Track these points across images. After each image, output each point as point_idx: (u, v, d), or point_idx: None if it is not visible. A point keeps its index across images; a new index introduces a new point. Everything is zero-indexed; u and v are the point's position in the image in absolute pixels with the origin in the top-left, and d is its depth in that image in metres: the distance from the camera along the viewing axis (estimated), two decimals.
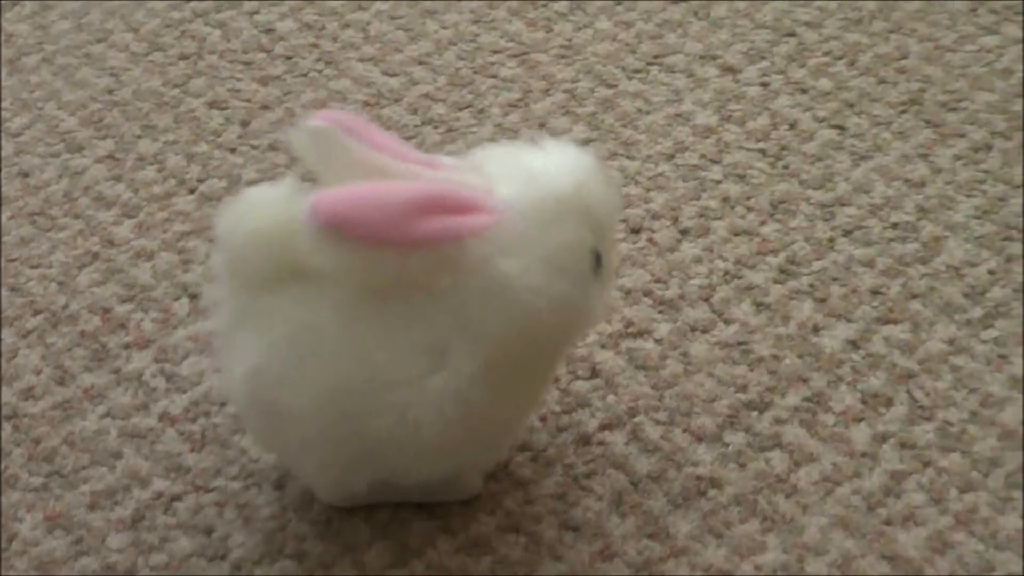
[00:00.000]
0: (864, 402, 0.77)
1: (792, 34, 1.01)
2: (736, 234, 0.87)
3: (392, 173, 0.64)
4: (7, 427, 0.78)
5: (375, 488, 0.70)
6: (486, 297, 0.63)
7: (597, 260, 0.66)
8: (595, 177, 0.65)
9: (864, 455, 0.75)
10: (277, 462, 0.75)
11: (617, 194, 0.68)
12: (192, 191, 0.91)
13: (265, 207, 0.65)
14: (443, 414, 0.64)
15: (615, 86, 0.97)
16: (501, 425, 0.69)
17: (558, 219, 0.63)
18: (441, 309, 0.63)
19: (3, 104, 0.99)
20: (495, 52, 1.00)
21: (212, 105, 0.97)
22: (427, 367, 0.64)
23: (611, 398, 0.78)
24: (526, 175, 0.64)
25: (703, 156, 0.92)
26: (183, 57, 1.01)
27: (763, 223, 0.87)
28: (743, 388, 0.78)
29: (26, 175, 0.93)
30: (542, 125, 0.94)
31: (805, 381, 0.78)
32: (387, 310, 0.64)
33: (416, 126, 0.95)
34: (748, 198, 0.89)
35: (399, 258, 0.62)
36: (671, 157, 0.92)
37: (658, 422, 0.76)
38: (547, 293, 0.63)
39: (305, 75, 0.99)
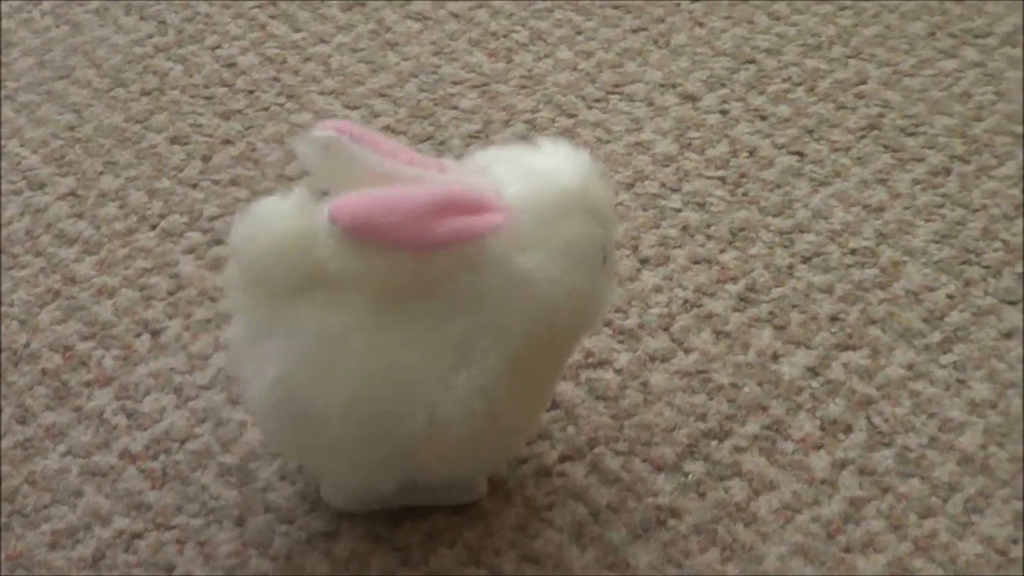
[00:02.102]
0: (823, 429, 0.78)
1: (752, 61, 1.02)
2: (696, 262, 0.87)
3: (403, 177, 0.65)
4: None
5: (399, 489, 0.71)
6: (506, 292, 0.64)
7: (604, 254, 0.67)
8: (595, 173, 0.67)
9: (823, 482, 0.75)
10: (291, 463, 0.75)
11: (613, 190, 0.69)
12: (153, 227, 0.91)
13: (281, 217, 0.65)
14: (471, 410, 0.65)
15: (575, 116, 0.97)
16: (522, 419, 0.71)
17: (568, 214, 0.65)
18: (462, 308, 0.64)
19: None
20: (456, 83, 1.00)
21: (174, 140, 0.97)
22: (452, 365, 0.65)
23: (571, 429, 0.78)
24: (532, 174, 0.66)
25: (663, 184, 0.92)
26: (145, 93, 1.02)
27: (723, 251, 0.88)
28: (703, 417, 0.78)
29: None
30: None
31: (764, 409, 0.79)
32: (409, 312, 0.65)
33: None
34: (708, 226, 0.89)
35: (419, 259, 0.63)
36: (631, 186, 0.92)
37: (618, 452, 0.77)
38: (564, 285, 0.65)
39: (266, 109, 0.99)
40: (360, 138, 0.64)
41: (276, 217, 0.65)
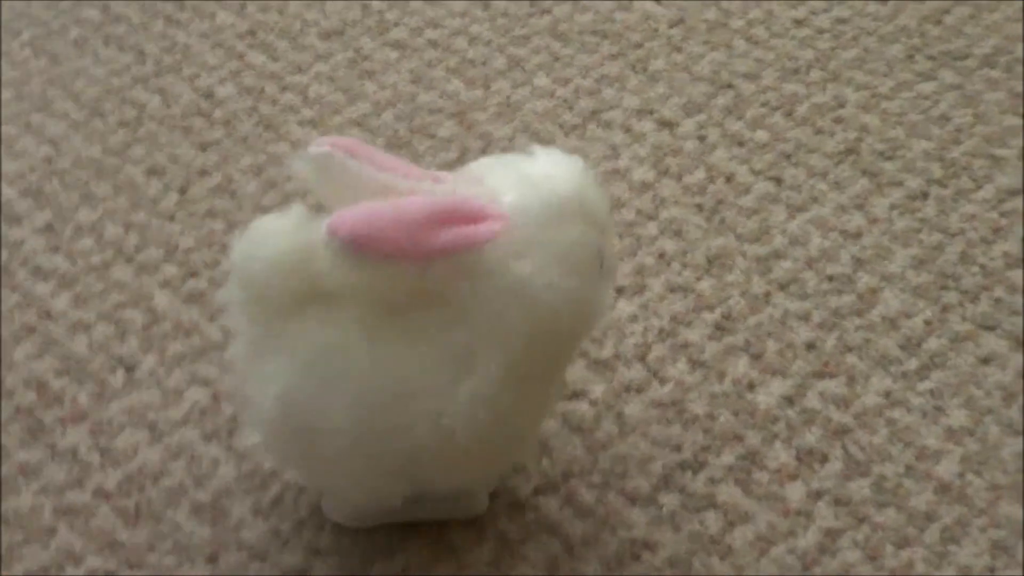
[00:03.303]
0: (799, 459, 0.77)
1: (729, 86, 1.02)
2: (672, 291, 0.87)
3: (400, 190, 0.65)
4: None
5: (406, 503, 0.71)
6: (506, 299, 0.64)
7: (601, 258, 0.67)
8: (590, 179, 0.68)
9: (799, 513, 0.75)
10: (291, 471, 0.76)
11: (608, 195, 0.69)
12: (129, 260, 0.91)
13: (279, 233, 0.66)
14: (475, 419, 0.65)
15: (552, 143, 0.97)
16: (525, 426, 0.71)
17: (564, 220, 0.65)
18: (463, 317, 0.65)
19: None
20: (433, 112, 1.00)
21: (151, 172, 0.97)
22: (455, 374, 0.65)
23: (546, 462, 0.77)
24: (526, 181, 0.66)
25: (639, 212, 0.92)
26: (123, 124, 1.01)
27: (699, 279, 0.87)
28: (677, 448, 0.78)
29: None
30: None
31: (740, 439, 0.78)
32: (410, 323, 0.65)
33: None
34: (684, 254, 0.89)
35: (418, 270, 0.63)
36: None
37: (592, 485, 0.76)
38: (563, 290, 0.65)
39: (244, 139, 0.99)
40: (355, 153, 0.65)
41: (275, 234, 0.66)
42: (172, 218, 0.94)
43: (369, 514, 0.74)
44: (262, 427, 0.69)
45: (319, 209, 0.65)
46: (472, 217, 0.64)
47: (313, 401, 0.66)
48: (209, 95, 1.03)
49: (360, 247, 0.62)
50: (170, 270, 0.90)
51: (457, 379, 0.65)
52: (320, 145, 0.65)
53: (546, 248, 0.65)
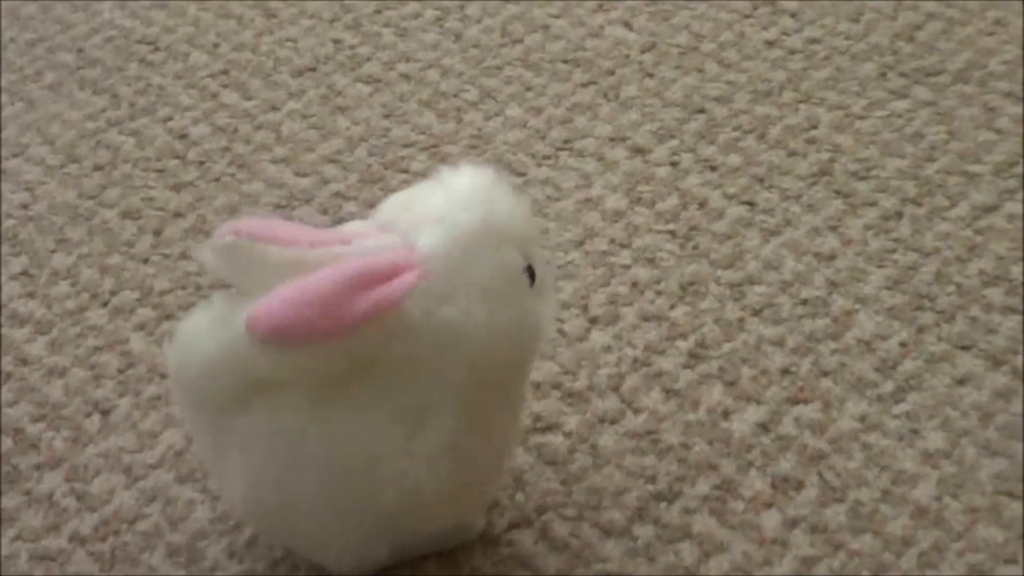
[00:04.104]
0: (774, 486, 0.77)
1: (701, 110, 1.01)
2: (646, 319, 0.87)
3: (308, 263, 0.63)
4: None
5: (395, 550, 0.71)
6: (440, 348, 0.64)
7: (531, 274, 0.66)
8: (498, 196, 0.66)
9: (774, 541, 0.74)
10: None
11: (524, 200, 0.68)
12: (104, 304, 0.91)
13: (205, 335, 0.65)
14: (440, 470, 0.65)
15: (524, 174, 0.97)
16: (496, 453, 0.70)
17: (479, 252, 0.64)
18: (403, 374, 0.64)
19: None
20: (406, 146, 1.00)
21: (125, 215, 0.97)
22: (410, 433, 0.65)
23: (520, 496, 0.77)
24: (435, 220, 0.64)
25: (612, 241, 0.92)
26: (98, 168, 1.01)
27: (673, 307, 0.87)
28: (652, 479, 0.77)
29: None
30: None
31: (715, 468, 0.78)
32: (352, 393, 0.65)
33: (328, 226, 0.94)
34: (658, 281, 0.89)
35: (349, 342, 0.62)
36: (580, 244, 0.91)
37: (567, 518, 0.76)
38: (495, 323, 0.64)
39: (217, 179, 0.99)
40: (258, 235, 0.64)
41: (203, 335, 0.66)
42: (147, 261, 0.94)
43: (366, 564, 0.73)
44: (238, 515, 0.71)
45: (238, 294, 0.65)
46: (385, 275, 0.63)
47: (279, 488, 0.66)
48: (183, 136, 1.03)
49: (282, 338, 0.61)
50: (145, 313, 0.90)
51: (412, 437, 0.65)
52: (223, 235, 0.64)
53: (468, 286, 0.64)
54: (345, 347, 0.62)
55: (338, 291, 0.61)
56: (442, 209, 0.65)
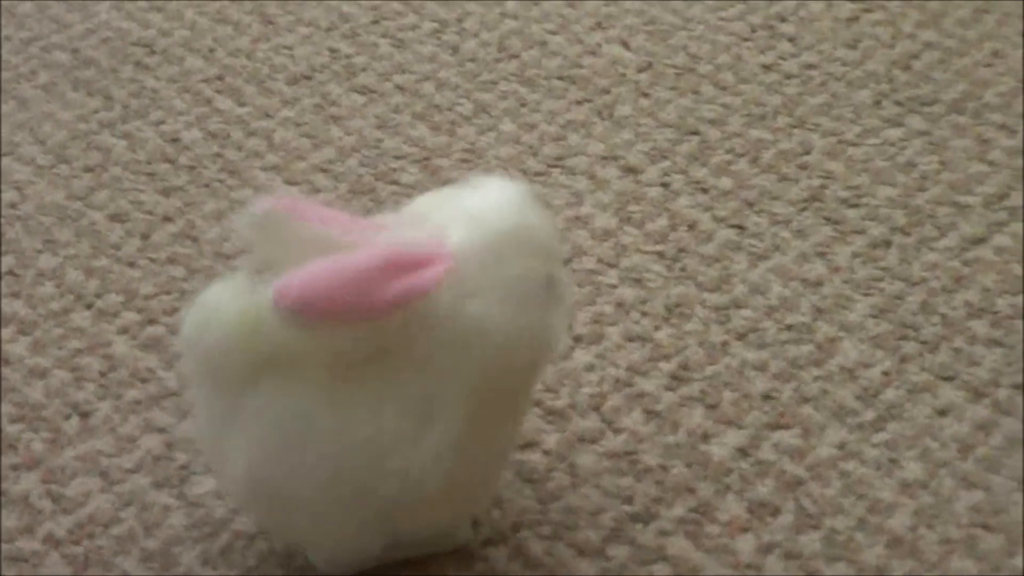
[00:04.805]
0: (751, 511, 0.77)
1: (695, 132, 1.01)
2: (630, 340, 0.86)
3: (343, 245, 0.64)
4: None
5: (385, 548, 0.71)
6: (461, 342, 0.64)
7: (551, 285, 0.67)
8: (531, 207, 0.68)
9: (748, 566, 0.74)
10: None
11: (551, 217, 0.70)
12: (89, 306, 0.91)
13: (229, 304, 0.66)
14: (444, 466, 0.66)
15: None
16: (494, 461, 0.71)
17: (509, 254, 0.65)
18: (420, 365, 0.65)
19: None
20: (398, 158, 1.00)
21: (113, 218, 0.97)
22: (419, 425, 0.65)
23: (496, 513, 0.77)
24: (468, 218, 0.66)
25: (600, 260, 0.92)
26: (88, 169, 1.01)
27: (657, 328, 0.87)
28: (629, 500, 0.77)
29: None
30: None
31: (692, 491, 0.78)
32: (368, 379, 0.65)
33: None
34: (643, 302, 0.89)
35: (372, 326, 0.63)
36: (568, 262, 0.91)
37: (542, 537, 0.76)
38: (515, 326, 0.65)
39: (207, 185, 0.99)
40: (296, 210, 0.65)
41: (224, 305, 0.66)
42: (133, 264, 0.94)
43: (353, 563, 0.73)
44: (234, 499, 0.70)
45: (265, 268, 0.65)
46: (418, 264, 0.64)
47: (282, 470, 0.66)
48: (175, 140, 1.03)
49: (309, 311, 0.62)
50: (129, 316, 0.90)
51: (421, 429, 0.65)
52: (262, 205, 0.65)
53: (495, 285, 0.65)
54: (368, 330, 0.63)
55: (370, 272, 0.62)
56: (475, 210, 0.66)
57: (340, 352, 0.64)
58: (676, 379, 0.84)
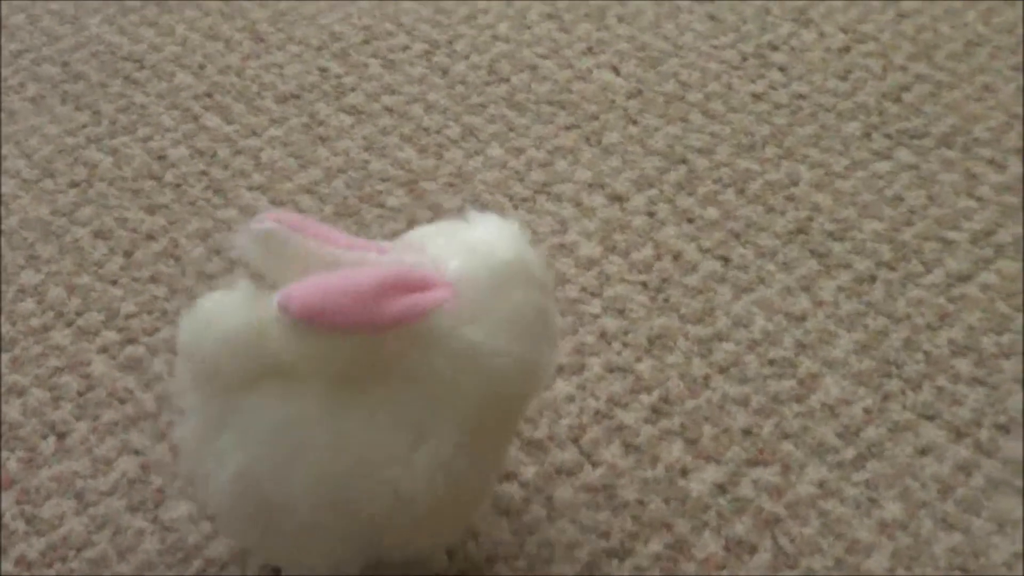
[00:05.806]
0: (727, 549, 0.76)
1: (683, 161, 1.01)
2: (611, 371, 0.86)
3: (345, 262, 0.66)
4: None
5: (365, 567, 0.71)
6: (458, 366, 0.65)
7: (545, 318, 0.68)
8: (526, 243, 0.69)
9: None
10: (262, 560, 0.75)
11: (542, 252, 0.71)
12: (69, 324, 0.90)
13: (229, 310, 0.66)
14: (433, 485, 0.66)
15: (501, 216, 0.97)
16: (479, 487, 0.71)
17: (508, 285, 0.66)
18: (416, 385, 0.65)
19: None
20: (383, 180, 1.00)
21: (97, 235, 0.97)
22: (411, 442, 0.66)
23: (471, 545, 0.76)
24: (467, 248, 0.67)
25: (583, 289, 0.91)
26: (73, 185, 1.01)
27: (639, 359, 0.87)
28: (605, 535, 0.77)
29: None
30: None
31: (669, 527, 0.77)
32: (364, 394, 0.65)
33: None
34: (626, 333, 0.88)
35: (370, 341, 0.64)
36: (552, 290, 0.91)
37: (517, 570, 0.75)
38: (512, 354, 0.66)
39: (193, 203, 0.99)
40: (298, 227, 0.66)
41: (225, 311, 0.66)
42: (115, 282, 0.93)
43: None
44: (218, 506, 0.69)
45: (263, 281, 0.66)
46: (420, 285, 0.65)
47: (272, 477, 0.66)
48: (161, 157, 1.03)
49: (312, 321, 0.63)
50: (109, 336, 0.89)
51: (414, 447, 0.66)
52: (263, 220, 0.66)
53: (493, 313, 0.66)
54: (368, 346, 0.64)
55: (374, 288, 0.63)
56: (473, 242, 0.67)
57: (339, 365, 0.65)
58: (656, 412, 0.83)
